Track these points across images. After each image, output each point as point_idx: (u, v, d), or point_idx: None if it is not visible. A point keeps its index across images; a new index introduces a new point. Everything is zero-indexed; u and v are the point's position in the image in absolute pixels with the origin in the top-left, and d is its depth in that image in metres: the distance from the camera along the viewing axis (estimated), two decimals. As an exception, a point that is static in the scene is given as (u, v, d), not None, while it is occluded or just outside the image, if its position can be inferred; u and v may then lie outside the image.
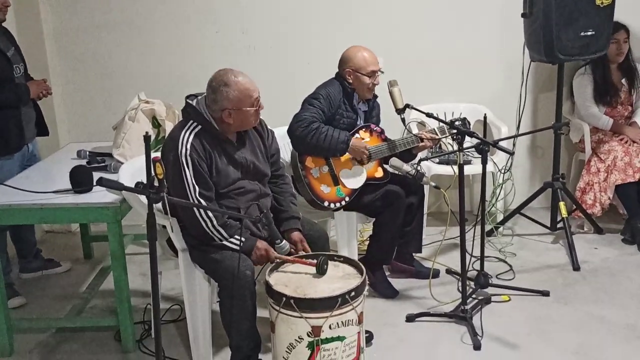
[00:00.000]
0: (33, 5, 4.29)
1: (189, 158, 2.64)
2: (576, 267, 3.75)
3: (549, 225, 4.21)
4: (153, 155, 2.04)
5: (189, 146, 2.65)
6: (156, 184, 1.94)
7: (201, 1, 4.42)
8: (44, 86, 3.57)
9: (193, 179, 2.65)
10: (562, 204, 3.98)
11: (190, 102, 2.77)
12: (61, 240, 4.54)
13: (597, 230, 4.25)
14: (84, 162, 3.39)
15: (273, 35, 4.46)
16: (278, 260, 2.67)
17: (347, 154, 3.36)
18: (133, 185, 2.04)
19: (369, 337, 3.00)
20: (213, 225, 2.65)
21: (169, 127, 3.45)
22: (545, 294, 3.44)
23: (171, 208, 2.59)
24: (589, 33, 3.71)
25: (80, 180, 2.95)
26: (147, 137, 1.91)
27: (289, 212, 2.95)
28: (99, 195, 2.89)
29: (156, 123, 3.50)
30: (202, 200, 2.65)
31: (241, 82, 2.68)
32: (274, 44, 4.47)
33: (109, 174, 3.19)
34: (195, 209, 2.63)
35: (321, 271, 2.57)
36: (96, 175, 2.99)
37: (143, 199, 2.81)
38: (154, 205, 2.01)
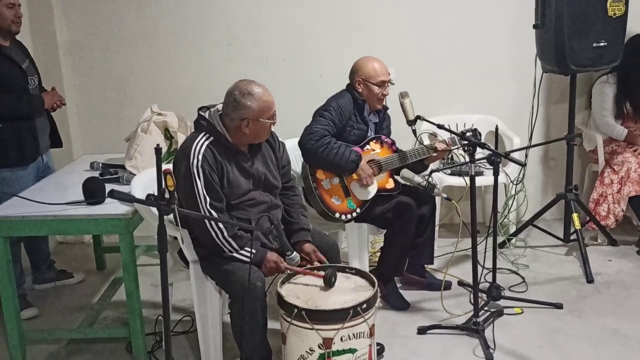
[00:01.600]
0: (48, 19, 4.34)
1: (200, 169, 2.65)
2: (590, 280, 3.71)
3: (562, 237, 4.18)
4: (164, 167, 2.05)
5: (200, 157, 2.67)
6: (167, 196, 1.94)
7: (214, 14, 4.46)
8: (58, 97, 3.61)
9: (204, 189, 2.66)
10: (575, 216, 3.95)
11: (203, 113, 2.79)
12: (74, 251, 4.57)
13: (611, 242, 4.21)
14: (96, 173, 3.41)
15: (285, 47, 4.48)
16: (289, 271, 2.67)
17: None
18: (144, 197, 2.05)
19: (380, 350, 2.98)
20: (224, 237, 2.66)
21: (181, 138, 3.47)
22: (559, 306, 3.41)
23: (182, 219, 2.61)
24: (602, 44, 3.70)
25: (93, 191, 2.97)
26: (158, 150, 1.92)
27: (299, 224, 2.95)
28: (112, 207, 2.91)
29: (168, 135, 3.52)
30: (212, 211, 2.66)
31: (264, 94, 2.71)
32: (286, 57, 4.49)
33: (121, 186, 3.21)
34: (206, 220, 2.64)
35: (329, 284, 2.56)
36: (109, 187, 3.01)
37: (155, 210, 2.83)
38: (165, 216, 2.01)
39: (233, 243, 2.67)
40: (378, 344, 2.86)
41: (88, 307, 3.62)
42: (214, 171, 2.69)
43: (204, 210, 2.65)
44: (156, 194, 2.00)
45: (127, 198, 1.98)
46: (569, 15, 3.61)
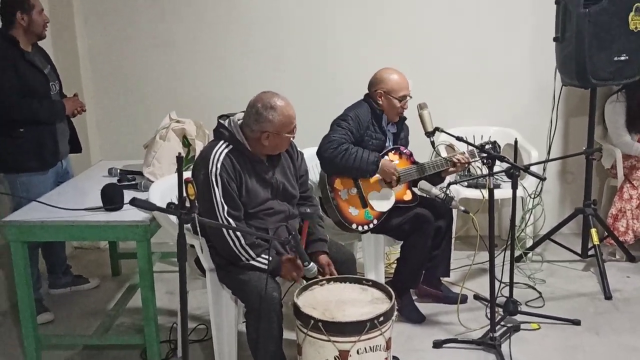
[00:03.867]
0: (69, 26, 4.39)
1: (218, 177, 2.66)
2: (608, 296, 3.67)
3: (579, 252, 4.14)
4: (185, 175, 2.05)
5: (219, 165, 2.67)
6: (187, 204, 1.95)
7: (232, 21, 4.48)
8: (78, 103, 3.64)
9: (222, 198, 2.66)
10: (593, 231, 3.91)
11: (223, 122, 2.80)
12: (90, 256, 4.59)
13: (630, 258, 4.16)
14: (114, 179, 3.42)
15: (302, 56, 4.49)
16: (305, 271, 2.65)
17: (376, 175, 3.35)
18: (163, 204, 2.06)
19: (396, 363, 2.97)
20: (240, 244, 2.66)
21: (199, 146, 3.49)
22: (576, 323, 3.37)
23: (200, 227, 2.61)
24: (623, 58, 3.67)
25: (111, 198, 2.98)
26: (179, 158, 1.92)
27: (316, 235, 2.94)
28: (130, 214, 2.92)
29: (186, 142, 3.54)
30: (230, 219, 2.66)
31: (286, 109, 2.72)
32: (304, 65, 4.50)
33: (139, 192, 3.22)
34: (223, 227, 2.64)
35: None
36: (127, 194, 3.05)
37: (173, 218, 2.84)
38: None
39: (250, 251, 2.67)
40: (394, 357, 2.84)
41: (103, 312, 3.64)
42: (232, 180, 2.69)
43: (221, 218, 2.65)
44: (176, 202, 2.00)
45: (149, 206, 1.98)
46: (589, 29, 3.58)
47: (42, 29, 3.44)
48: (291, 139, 2.81)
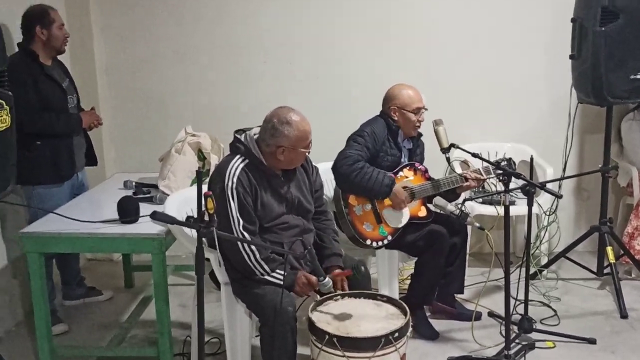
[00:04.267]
0: (87, 41, 4.44)
1: (234, 191, 2.67)
2: (624, 315, 3.63)
3: (595, 270, 4.11)
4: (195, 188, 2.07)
5: (235, 179, 2.68)
6: (206, 218, 1.96)
7: (248, 35, 4.51)
8: (95, 116, 3.68)
9: (238, 212, 2.67)
10: (609, 249, 3.88)
11: (239, 136, 2.82)
12: (103, 268, 4.61)
13: (646, 276, 4.13)
14: (130, 192, 3.45)
15: (318, 72, 4.51)
16: (321, 287, 2.64)
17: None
18: (179, 217, 2.07)
19: (410, 379, 2.94)
20: (255, 259, 2.67)
21: (214, 160, 3.50)
22: (592, 341, 3.34)
23: (214, 240, 2.62)
24: (639, 76, 3.66)
25: (127, 210, 3.00)
26: (199, 172, 1.94)
27: (331, 249, 2.94)
28: (145, 227, 2.93)
29: (202, 156, 3.55)
30: (245, 233, 2.67)
31: (302, 124, 2.74)
32: (320, 79, 4.52)
33: (154, 205, 3.23)
34: (239, 241, 2.64)
35: (360, 274, 2.58)
36: (142, 206, 3.07)
37: (188, 231, 2.85)
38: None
39: (265, 266, 2.68)
40: (408, 374, 2.83)
41: (117, 324, 3.65)
42: (248, 194, 2.70)
43: (236, 232, 2.66)
44: (194, 215, 2.01)
45: (170, 220, 1.99)
46: (606, 46, 3.58)
47: (61, 43, 3.48)
48: (307, 153, 2.82)
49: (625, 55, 3.62)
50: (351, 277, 2.81)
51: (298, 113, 2.76)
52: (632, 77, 3.66)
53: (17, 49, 3.46)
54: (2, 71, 2.68)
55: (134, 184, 3.61)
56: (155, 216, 1.93)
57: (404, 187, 3.40)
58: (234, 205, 2.67)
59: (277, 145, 2.72)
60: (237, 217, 2.67)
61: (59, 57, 3.63)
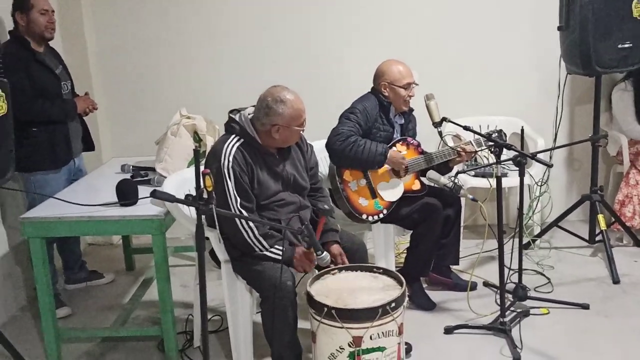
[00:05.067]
0: (78, 26, 4.44)
1: (231, 170, 2.71)
2: (616, 280, 3.71)
3: (587, 238, 4.18)
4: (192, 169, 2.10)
5: (231, 158, 2.73)
6: (205, 196, 2.00)
7: (239, 19, 4.53)
8: (90, 102, 3.70)
9: (235, 190, 2.72)
10: (600, 217, 3.95)
11: (234, 116, 2.85)
12: (104, 252, 4.66)
13: (637, 243, 4.20)
14: (127, 176, 3.48)
15: (310, 51, 4.54)
16: (319, 261, 2.69)
17: (385, 166, 3.40)
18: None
19: (408, 349, 3.02)
20: (254, 235, 2.72)
21: (209, 141, 3.54)
22: (585, 307, 3.42)
23: (213, 219, 2.67)
24: (627, 45, 3.70)
25: (126, 193, 3.04)
26: (196, 151, 1.98)
27: (327, 225, 2.99)
28: (144, 208, 2.98)
29: (197, 138, 3.59)
30: (243, 211, 2.72)
31: (296, 102, 2.77)
32: (311, 60, 4.55)
33: (152, 188, 3.23)
34: (237, 219, 2.69)
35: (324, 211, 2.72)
36: (140, 189, 3.11)
37: (187, 211, 2.90)
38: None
39: (263, 242, 2.73)
40: (406, 344, 2.89)
41: (119, 306, 3.71)
42: (244, 172, 2.75)
43: (234, 210, 2.71)
44: (193, 194, 2.06)
45: (169, 198, 2.04)
46: (593, 16, 3.62)
47: (43, 29, 3.42)
48: (301, 132, 2.86)
49: (612, 25, 3.66)
50: (326, 221, 2.84)
51: (292, 91, 2.79)
52: (619, 46, 3.70)
53: (8, 37, 3.47)
54: (-5, 59, 2.70)
55: (131, 167, 3.64)
56: (155, 194, 1.97)
57: (398, 162, 3.45)
58: (231, 184, 2.72)
59: (271, 124, 2.76)
60: (234, 195, 2.72)
61: (51, 44, 3.64)
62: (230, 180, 2.72)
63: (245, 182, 2.75)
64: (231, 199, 2.71)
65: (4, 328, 3.30)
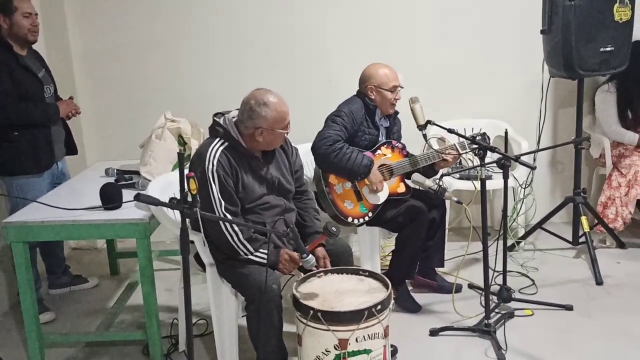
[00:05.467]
0: (62, 29, 4.41)
1: (215, 174, 2.71)
2: (599, 282, 3.75)
3: (570, 239, 4.21)
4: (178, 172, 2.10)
5: (215, 162, 2.72)
6: (189, 199, 2.00)
7: (225, 22, 4.52)
8: (72, 105, 3.67)
9: (219, 193, 2.71)
10: (584, 219, 3.98)
11: (218, 119, 2.85)
12: (88, 257, 4.62)
13: (620, 244, 4.25)
14: (112, 179, 3.46)
15: (295, 53, 4.55)
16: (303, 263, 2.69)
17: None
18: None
19: (394, 352, 3.03)
20: (239, 239, 2.71)
21: (194, 145, 3.53)
22: (569, 308, 3.44)
23: (197, 223, 2.66)
24: (609, 49, 3.74)
25: (110, 197, 3.02)
26: (180, 154, 1.97)
27: (312, 228, 3.00)
28: (128, 212, 2.96)
29: (182, 141, 3.57)
30: (227, 215, 2.72)
31: (279, 105, 2.76)
32: (297, 62, 4.55)
33: (136, 191, 3.25)
34: (221, 223, 2.69)
35: (332, 233, 2.62)
36: (125, 193, 3.09)
37: (171, 215, 2.89)
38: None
39: (248, 246, 2.72)
40: (392, 346, 2.91)
41: (103, 311, 3.68)
42: (228, 176, 2.74)
43: (219, 214, 2.70)
44: (178, 197, 2.05)
45: (153, 201, 2.03)
46: (576, 20, 3.65)
47: (26, 32, 3.40)
48: (285, 134, 2.85)
49: (594, 29, 3.70)
50: (327, 239, 2.82)
51: (275, 94, 2.79)
52: (601, 49, 3.75)
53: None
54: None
55: (115, 171, 3.62)
56: (139, 198, 1.96)
57: (382, 165, 3.46)
58: (215, 188, 2.71)
59: (255, 127, 2.76)
60: (218, 199, 2.71)
61: (35, 47, 3.62)
62: (214, 183, 2.71)
63: (230, 185, 2.74)
64: (215, 202, 2.71)
65: (-14, 334, 3.27)
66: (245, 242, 2.72)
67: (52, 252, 3.86)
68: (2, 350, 3.01)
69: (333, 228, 2.64)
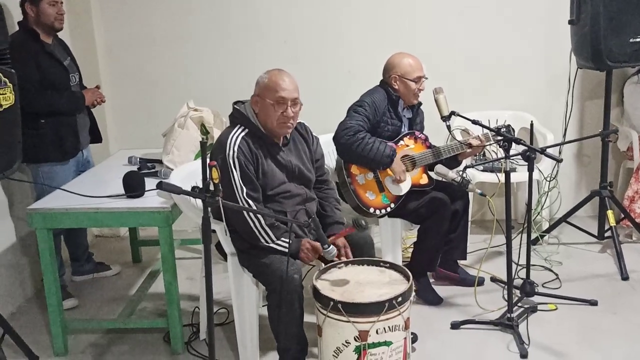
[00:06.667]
0: (86, 19, 4.44)
1: (236, 160, 2.71)
2: (625, 277, 3.68)
3: (596, 234, 4.15)
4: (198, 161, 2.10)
5: (236, 148, 2.72)
6: (212, 188, 1.99)
7: (247, 13, 4.51)
8: (98, 94, 3.70)
9: (240, 180, 2.71)
10: (610, 213, 3.92)
11: (238, 107, 2.85)
12: (110, 244, 4.67)
13: (646, 239, 4.18)
14: (135, 168, 3.49)
15: (315, 44, 4.52)
16: (325, 253, 2.67)
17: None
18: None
19: (414, 339, 3.01)
20: (261, 226, 2.71)
21: (216, 134, 3.53)
22: (593, 303, 3.39)
23: (219, 211, 2.66)
24: (639, 39, 3.66)
25: (133, 185, 3.04)
26: (203, 143, 1.97)
27: (333, 218, 2.99)
28: (151, 200, 2.98)
29: (204, 130, 3.58)
30: (249, 201, 2.72)
31: (278, 76, 2.77)
32: (317, 54, 4.53)
33: (159, 180, 3.26)
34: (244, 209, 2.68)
35: (361, 227, 2.63)
36: (147, 181, 3.11)
37: (193, 203, 2.90)
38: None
39: (270, 233, 2.72)
40: (412, 334, 2.88)
41: (126, 298, 3.71)
42: (249, 162, 2.74)
43: (240, 200, 2.70)
44: (199, 186, 2.05)
45: (175, 190, 2.03)
46: (605, 10, 3.58)
47: (52, 20, 3.43)
48: (282, 114, 2.75)
49: (624, 19, 3.62)
50: (354, 232, 2.81)
51: (284, 71, 2.80)
52: (631, 40, 3.66)
53: (17, 28, 3.47)
54: (4, 49, 2.70)
55: (138, 159, 3.64)
56: (162, 187, 1.96)
57: (405, 156, 3.43)
58: (236, 174, 2.71)
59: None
60: (240, 185, 2.71)
61: (60, 36, 3.64)
62: (235, 170, 2.71)
63: (251, 171, 2.74)
64: (237, 188, 2.70)
65: (10, 319, 3.31)
66: (267, 229, 2.72)
67: (76, 240, 3.90)
68: (25, 335, 3.04)
69: (362, 221, 2.64)
